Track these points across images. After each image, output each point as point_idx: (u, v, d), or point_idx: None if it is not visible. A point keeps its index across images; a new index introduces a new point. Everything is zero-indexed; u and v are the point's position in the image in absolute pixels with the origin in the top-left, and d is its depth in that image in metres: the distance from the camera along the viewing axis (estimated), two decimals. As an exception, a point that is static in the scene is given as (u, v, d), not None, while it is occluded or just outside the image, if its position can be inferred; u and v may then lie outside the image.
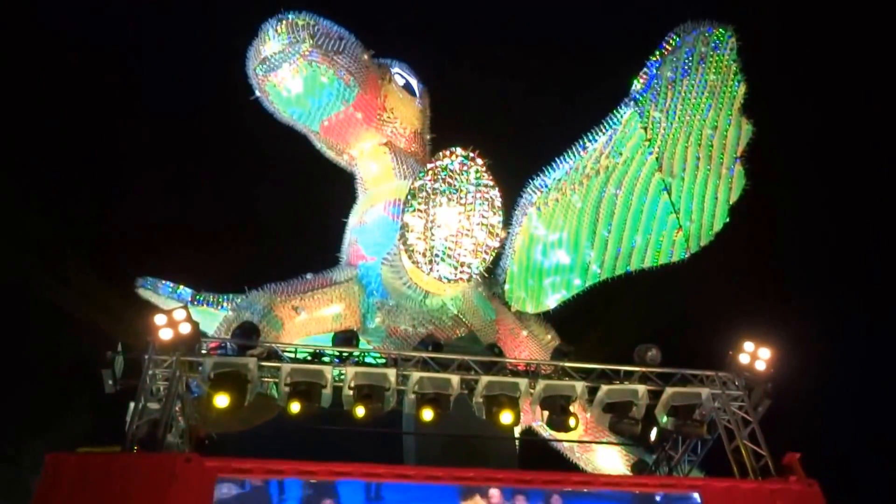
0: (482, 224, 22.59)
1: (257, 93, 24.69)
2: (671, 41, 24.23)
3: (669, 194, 24.68)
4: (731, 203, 25.00)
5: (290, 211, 37.36)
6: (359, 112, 24.67)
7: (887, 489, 31.79)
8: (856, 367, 35.99)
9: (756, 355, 19.65)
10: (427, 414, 18.33)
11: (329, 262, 24.83)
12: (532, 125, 38.86)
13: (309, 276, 23.95)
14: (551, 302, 24.89)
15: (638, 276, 25.27)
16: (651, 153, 24.38)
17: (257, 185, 39.18)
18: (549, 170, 23.94)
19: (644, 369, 19.56)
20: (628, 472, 23.66)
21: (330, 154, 26.30)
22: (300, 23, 24.14)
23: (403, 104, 25.76)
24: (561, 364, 19.57)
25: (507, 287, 24.40)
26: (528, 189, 24.00)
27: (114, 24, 40.41)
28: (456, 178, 22.50)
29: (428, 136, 27.04)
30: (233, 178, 39.56)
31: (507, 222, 23.53)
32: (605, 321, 29.32)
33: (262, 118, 25.21)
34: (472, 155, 22.58)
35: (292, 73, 23.75)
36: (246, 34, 24.74)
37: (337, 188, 26.72)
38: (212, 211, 38.23)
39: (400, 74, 26.13)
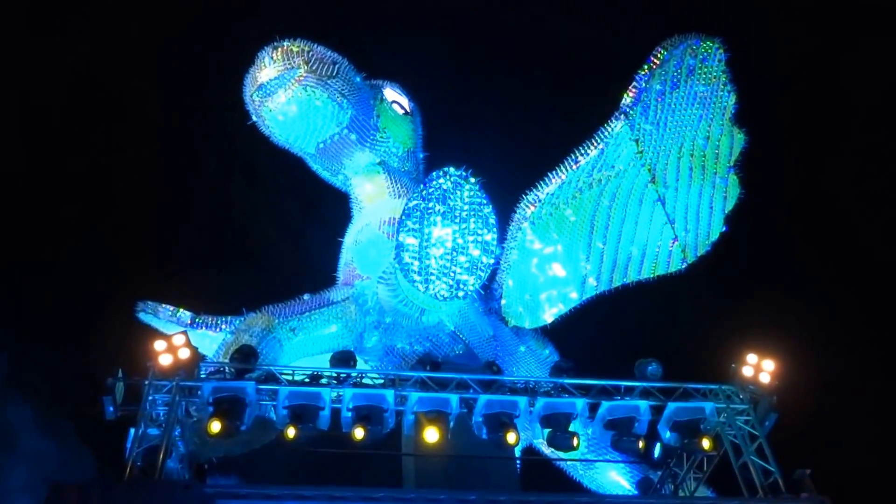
0: (477, 241, 22.94)
1: (254, 118, 25.20)
2: (659, 54, 24.45)
3: (664, 205, 24.94)
4: (726, 212, 25.25)
5: (287, 231, 38.04)
6: (353, 133, 25.16)
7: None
8: (867, 376, 35.72)
9: (760, 367, 19.65)
10: (431, 434, 18.33)
11: (326, 281, 25.19)
12: (524, 142, 39.25)
13: (306, 296, 24.29)
14: (548, 316, 25.09)
15: (636, 288, 25.57)
16: (643, 165, 24.68)
17: (255, 207, 39.80)
18: (542, 184, 24.11)
19: (645, 384, 19.51)
20: (633, 490, 23.69)
21: (325, 175, 26.82)
22: (294, 49, 24.70)
23: (396, 124, 26.23)
24: (560, 381, 19.57)
25: (503, 302, 24.67)
26: (522, 204, 24.23)
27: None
28: (450, 197, 22.85)
29: (421, 155, 27.51)
30: (231, 199, 40.20)
31: (502, 238, 23.80)
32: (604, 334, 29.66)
33: (259, 141, 25.76)
34: (465, 173, 22.97)
35: (288, 98, 24.28)
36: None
37: (333, 208, 27.26)
38: (211, 232, 38.83)
39: (393, 95, 26.58)
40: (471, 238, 22.59)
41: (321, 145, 25.06)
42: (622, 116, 24.35)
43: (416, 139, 27.23)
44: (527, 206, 24.33)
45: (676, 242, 24.88)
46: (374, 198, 25.52)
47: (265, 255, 37.36)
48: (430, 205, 22.41)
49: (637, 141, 24.44)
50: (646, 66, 24.56)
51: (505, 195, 24.30)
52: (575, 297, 25.07)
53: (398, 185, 25.46)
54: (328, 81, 24.21)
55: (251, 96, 24.62)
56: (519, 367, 24.22)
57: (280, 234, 38.00)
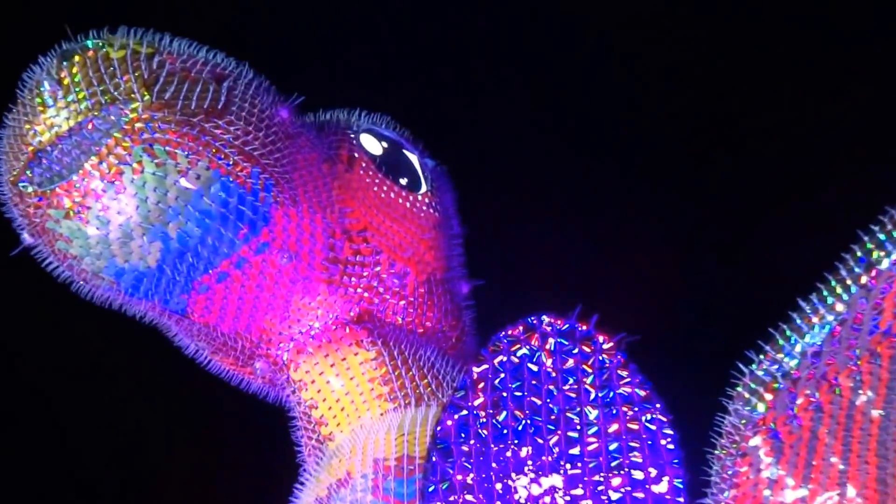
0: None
1: (26, 236, 11.48)
2: None
3: None
4: None
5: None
6: (283, 254, 11.43)
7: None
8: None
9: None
10: None
11: None
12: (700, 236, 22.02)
13: None
14: None
15: None
16: None
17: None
18: (784, 342, 10.90)
19: None
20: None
21: (222, 361, 12.88)
22: (115, 56, 10.73)
23: (392, 215, 12.75)
24: None
25: None
26: (739, 392, 11.30)
27: None
28: (554, 398, 10.02)
29: (465, 289, 13.33)
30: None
31: (702, 485, 11.05)
32: None
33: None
34: (586, 330, 9.82)
35: (106, 177, 10.83)
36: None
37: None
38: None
39: (378, 142, 12.62)
40: (617, 494, 9.77)
41: (202, 290, 11.64)
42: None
43: (444, 247, 13.25)
44: (751, 393, 11.27)
45: None
46: (348, 414, 11.99)
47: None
48: (502, 417, 9.54)
49: None
50: None
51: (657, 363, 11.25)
52: None
53: (411, 370, 11.85)
54: (206, 126, 10.74)
55: (12, 182, 11.13)
56: None
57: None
